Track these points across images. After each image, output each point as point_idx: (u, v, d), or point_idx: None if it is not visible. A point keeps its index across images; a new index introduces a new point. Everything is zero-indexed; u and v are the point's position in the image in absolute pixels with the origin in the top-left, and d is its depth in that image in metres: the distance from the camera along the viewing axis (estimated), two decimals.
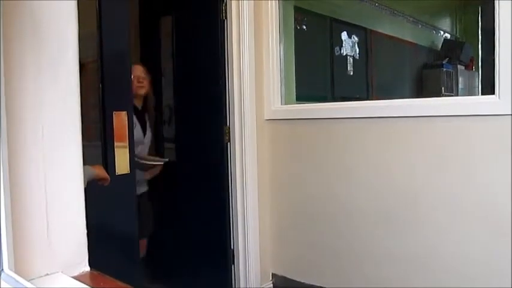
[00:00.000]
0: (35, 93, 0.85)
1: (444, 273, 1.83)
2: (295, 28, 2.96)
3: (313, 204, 2.30)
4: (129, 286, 0.81)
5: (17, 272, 0.74)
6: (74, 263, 0.89)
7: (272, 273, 2.52)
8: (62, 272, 0.86)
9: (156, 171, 2.47)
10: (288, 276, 2.44)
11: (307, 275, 2.35)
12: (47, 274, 0.84)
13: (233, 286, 2.48)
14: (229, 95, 2.40)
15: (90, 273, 0.89)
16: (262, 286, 2.47)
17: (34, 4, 0.85)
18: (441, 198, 1.83)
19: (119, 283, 0.83)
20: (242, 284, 2.43)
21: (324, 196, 2.25)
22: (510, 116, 1.62)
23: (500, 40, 1.62)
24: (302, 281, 2.37)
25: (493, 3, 1.65)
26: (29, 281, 0.78)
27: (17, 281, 0.65)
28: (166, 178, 2.51)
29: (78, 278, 0.85)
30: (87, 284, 0.80)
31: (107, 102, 1.85)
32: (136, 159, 2.03)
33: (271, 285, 2.51)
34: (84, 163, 0.96)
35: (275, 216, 2.48)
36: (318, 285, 2.29)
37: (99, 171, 1.58)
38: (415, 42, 4.96)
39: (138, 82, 2.30)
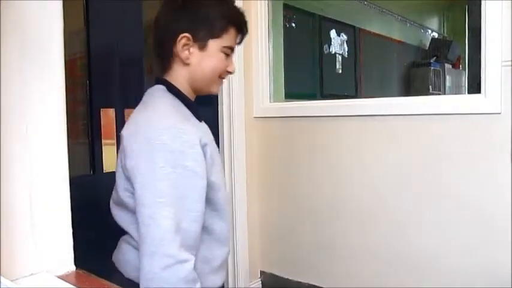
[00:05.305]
0: (19, 91, 0.84)
1: (434, 272, 1.85)
2: (284, 26, 2.96)
3: (302, 202, 2.31)
4: (114, 285, 0.80)
5: (0, 272, 0.73)
6: (59, 262, 0.89)
7: (261, 271, 2.52)
8: (47, 271, 0.85)
9: None
10: (277, 274, 2.45)
11: (296, 273, 2.36)
12: (32, 274, 0.83)
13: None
14: (220, 93, 2.39)
15: (76, 272, 0.89)
16: (251, 283, 2.47)
17: (19, 3, 0.84)
18: (429, 197, 1.85)
19: (104, 282, 0.82)
20: (231, 282, 2.43)
21: (312, 194, 2.26)
22: (496, 114, 1.64)
23: (487, 39, 1.64)
24: (290, 278, 2.37)
25: (480, 2, 1.66)
26: (12, 281, 0.77)
27: (0, 282, 0.64)
28: None
29: (63, 277, 0.84)
30: (72, 284, 0.80)
31: (95, 98, 1.84)
32: None
33: (260, 282, 2.52)
34: (70, 160, 0.95)
35: (264, 214, 2.49)
36: (307, 282, 2.30)
37: None
38: (404, 40, 5.00)
39: None
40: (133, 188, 0.92)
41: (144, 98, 1.07)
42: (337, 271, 2.18)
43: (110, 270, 1.07)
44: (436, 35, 5.62)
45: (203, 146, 0.95)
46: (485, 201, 1.69)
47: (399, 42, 4.92)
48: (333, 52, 3.77)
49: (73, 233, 0.93)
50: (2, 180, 0.79)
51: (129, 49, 2.00)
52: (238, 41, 1.09)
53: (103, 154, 1.86)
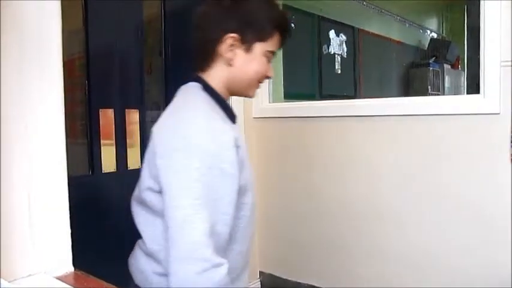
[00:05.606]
0: (19, 91, 0.83)
1: (434, 272, 1.85)
2: None
3: (300, 202, 2.31)
4: (112, 286, 0.80)
5: None
6: (57, 263, 0.88)
7: (259, 271, 2.52)
8: (45, 272, 0.85)
9: None
10: (276, 274, 2.45)
11: (295, 273, 2.36)
12: (30, 275, 0.83)
13: None
14: None
15: (74, 273, 0.89)
16: (250, 284, 2.47)
17: (18, 3, 0.83)
18: (429, 197, 1.85)
19: (102, 283, 0.82)
20: None
21: (311, 194, 2.26)
22: (495, 115, 1.64)
23: (486, 39, 1.64)
24: (289, 279, 2.37)
25: (479, 2, 1.66)
26: (10, 281, 0.77)
27: None
28: None
29: (61, 278, 0.84)
30: (70, 284, 0.79)
31: (93, 99, 1.83)
32: None
33: (259, 283, 2.51)
34: (69, 161, 0.95)
35: (262, 213, 2.48)
36: (305, 282, 2.30)
37: None
38: (403, 41, 5.00)
39: None
40: (158, 187, 0.89)
41: (178, 95, 1.03)
42: (336, 271, 2.18)
43: (108, 271, 1.06)
44: (435, 35, 5.63)
45: (237, 148, 0.92)
46: (485, 201, 1.69)
47: (398, 42, 4.92)
48: (332, 52, 3.77)
49: (72, 233, 0.93)
50: (1, 180, 0.79)
51: (128, 49, 1.99)
52: (279, 46, 1.07)
53: (102, 154, 1.86)
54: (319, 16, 3.60)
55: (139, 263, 0.99)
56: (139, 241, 1.03)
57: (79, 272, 0.89)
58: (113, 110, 1.90)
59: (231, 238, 0.95)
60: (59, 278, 0.84)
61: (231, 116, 1.03)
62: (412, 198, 1.90)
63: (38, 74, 0.87)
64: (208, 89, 1.01)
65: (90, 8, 1.80)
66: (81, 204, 1.33)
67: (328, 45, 3.72)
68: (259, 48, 1.01)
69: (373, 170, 2.02)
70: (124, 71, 1.97)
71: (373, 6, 4.34)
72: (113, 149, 1.90)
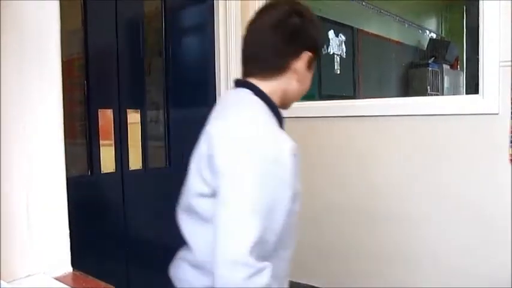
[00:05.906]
0: (18, 91, 0.83)
1: (434, 272, 1.85)
2: None
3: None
4: (111, 286, 0.80)
5: None
6: (56, 263, 0.88)
7: None
8: (44, 273, 0.85)
9: None
10: None
11: (295, 273, 2.34)
12: (29, 275, 0.83)
13: None
14: (219, 96, 2.39)
15: (73, 273, 0.88)
16: None
17: (18, 3, 0.83)
18: (429, 197, 1.84)
19: (101, 283, 0.82)
20: None
21: (311, 194, 2.25)
22: (494, 115, 1.64)
23: (485, 39, 1.64)
24: (289, 279, 2.36)
25: (478, 2, 1.66)
26: (9, 282, 0.77)
27: None
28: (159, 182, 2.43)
29: (60, 279, 0.84)
30: (68, 285, 0.79)
31: (92, 99, 1.83)
32: None
33: None
34: (68, 161, 0.94)
35: None
36: (305, 282, 2.29)
37: None
38: (402, 41, 5.01)
39: None
40: (210, 191, 0.88)
41: (231, 98, 1.03)
42: (335, 271, 2.18)
43: (107, 271, 1.06)
44: (434, 35, 5.63)
45: (295, 156, 0.91)
46: (485, 201, 1.69)
47: (397, 42, 4.92)
48: (331, 53, 3.77)
49: (70, 234, 0.93)
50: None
51: (128, 49, 1.99)
52: None
53: (101, 155, 1.86)
54: (318, 16, 3.59)
55: (187, 276, 0.98)
56: (182, 255, 1.01)
57: (78, 273, 0.89)
58: (111, 110, 1.90)
59: (275, 246, 0.94)
60: (58, 279, 0.84)
61: (281, 124, 1.02)
62: (412, 198, 1.90)
63: (37, 74, 0.87)
64: (261, 95, 1.00)
65: (89, 8, 1.80)
66: (80, 205, 1.33)
67: (328, 45, 3.72)
68: (313, 66, 1.06)
69: (373, 170, 2.02)
70: (123, 71, 1.97)
71: (372, 7, 4.34)
72: (112, 149, 1.90)
